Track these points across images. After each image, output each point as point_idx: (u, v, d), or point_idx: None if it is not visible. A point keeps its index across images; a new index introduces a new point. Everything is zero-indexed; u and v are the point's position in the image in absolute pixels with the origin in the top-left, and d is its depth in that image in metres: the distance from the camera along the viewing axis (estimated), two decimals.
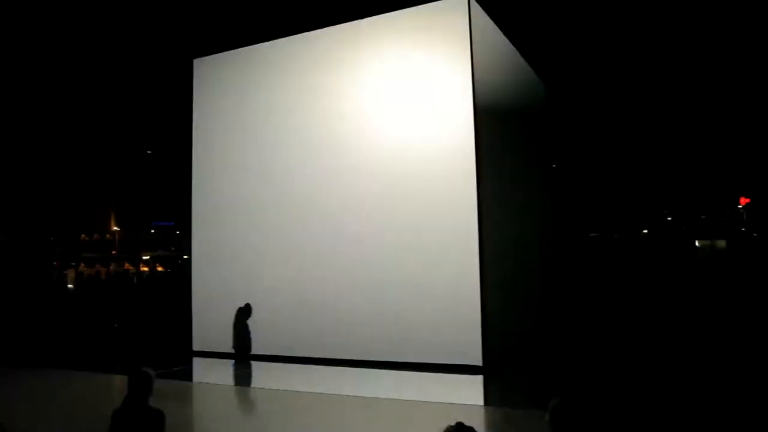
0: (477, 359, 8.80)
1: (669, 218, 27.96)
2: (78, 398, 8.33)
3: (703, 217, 26.20)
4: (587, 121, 18.10)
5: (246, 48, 11.52)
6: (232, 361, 10.63)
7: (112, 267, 27.45)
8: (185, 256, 26.28)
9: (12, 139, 22.81)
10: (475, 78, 9.27)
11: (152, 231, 37.36)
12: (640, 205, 25.65)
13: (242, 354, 10.58)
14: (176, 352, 12.49)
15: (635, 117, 18.22)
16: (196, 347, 11.47)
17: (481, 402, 7.86)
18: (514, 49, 11.95)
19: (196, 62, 12.17)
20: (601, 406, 2.98)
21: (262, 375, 9.84)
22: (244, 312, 10.65)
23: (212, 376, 10.19)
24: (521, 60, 12.50)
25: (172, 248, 33.08)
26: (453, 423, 2.81)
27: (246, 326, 10.57)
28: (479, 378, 8.63)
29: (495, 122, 10.34)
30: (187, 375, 10.16)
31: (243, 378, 9.92)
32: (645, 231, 26.00)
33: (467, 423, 2.78)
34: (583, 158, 20.58)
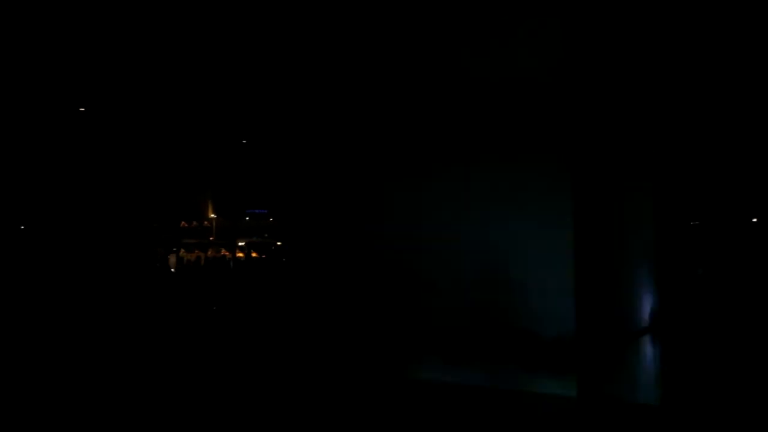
0: (571, 352, 8.59)
1: None
2: None
3: None
4: (691, 101, 17.07)
5: None
6: None
7: (210, 252, 28.77)
8: (278, 243, 27.21)
9: (120, 134, 24.37)
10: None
11: (247, 218, 38.89)
12: (750, 191, 23.94)
13: None
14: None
15: (744, 97, 16.99)
16: None
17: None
18: (614, 27, 11.42)
19: None
20: None
21: None
22: None
23: None
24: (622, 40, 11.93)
25: (266, 235, 34.28)
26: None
27: None
28: (574, 374, 8.42)
29: (591, 100, 9.94)
30: None
31: None
32: (754, 219, 24.23)
33: (561, 416, 2.71)
34: (687, 142, 19.47)
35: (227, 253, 26.66)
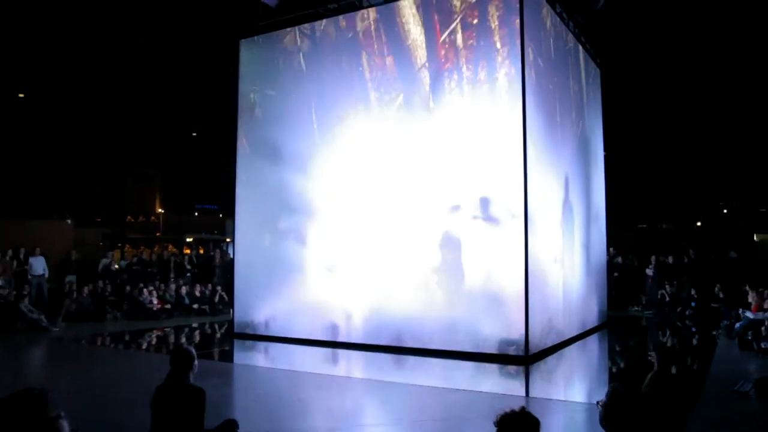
0: (520, 350, 8.57)
1: (725, 210, 26.83)
2: (124, 373, 8.39)
3: (763, 210, 24.99)
4: (641, 106, 17.44)
5: (292, 28, 11.33)
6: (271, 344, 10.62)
7: (156, 248, 27.89)
8: (228, 239, 26.55)
9: (61, 124, 23.41)
10: (525, 62, 8.89)
11: (196, 214, 37.95)
12: (694, 196, 24.69)
13: None
14: (219, 334, 12.61)
15: (691, 103, 17.46)
16: (237, 329, 11.48)
17: (523, 392, 7.60)
18: (567, 28, 11.47)
19: (242, 43, 12.06)
20: (657, 397, 2.72)
21: (301, 358, 9.74)
22: None
23: (251, 357, 10.20)
24: (573, 40, 12.00)
25: (215, 231, 33.54)
26: (511, 409, 2.48)
27: None
28: (522, 368, 8.39)
29: (544, 105, 9.94)
30: (228, 356, 10.19)
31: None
32: (699, 223, 24.98)
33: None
34: (636, 146, 19.91)
35: (174, 250, 25.89)
